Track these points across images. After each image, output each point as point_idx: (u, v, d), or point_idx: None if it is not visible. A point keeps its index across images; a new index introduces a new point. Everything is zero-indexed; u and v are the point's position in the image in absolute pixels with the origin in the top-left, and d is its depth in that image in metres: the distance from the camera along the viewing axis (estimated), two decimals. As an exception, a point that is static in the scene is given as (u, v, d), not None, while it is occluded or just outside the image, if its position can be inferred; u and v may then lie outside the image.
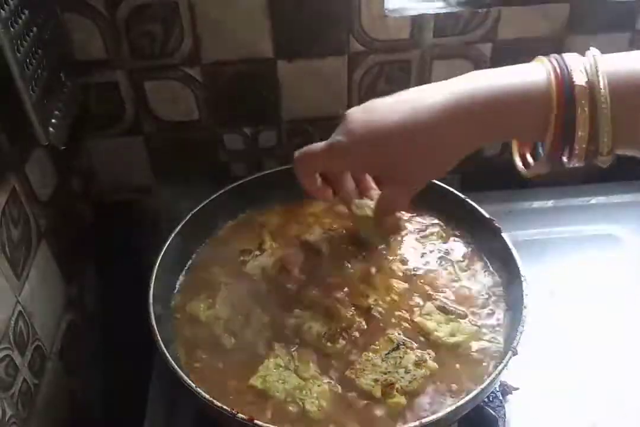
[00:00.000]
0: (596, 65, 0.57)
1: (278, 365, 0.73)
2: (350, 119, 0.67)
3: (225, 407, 0.66)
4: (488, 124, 0.62)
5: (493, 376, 0.69)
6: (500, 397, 0.80)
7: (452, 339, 0.75)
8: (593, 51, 0.60)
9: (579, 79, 0.57)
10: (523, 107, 0.59)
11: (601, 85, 0.56)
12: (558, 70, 0.58)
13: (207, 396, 0.67)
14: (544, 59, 0.61)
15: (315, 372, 0.72)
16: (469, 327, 0.77)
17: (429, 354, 0.73)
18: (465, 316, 0.78)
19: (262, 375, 0.72)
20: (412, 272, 0.83)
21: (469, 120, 0.61)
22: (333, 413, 0.69)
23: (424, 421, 0.65)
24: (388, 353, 0.73)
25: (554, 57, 0.61)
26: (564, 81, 0.57)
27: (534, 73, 0.60)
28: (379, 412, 0.69)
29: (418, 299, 0.80)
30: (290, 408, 0.69)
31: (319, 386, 0.71)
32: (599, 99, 0.56)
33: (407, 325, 0.76)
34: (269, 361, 0.73)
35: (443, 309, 0.78)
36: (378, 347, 0.74)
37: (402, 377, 0.71)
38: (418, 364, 0.72)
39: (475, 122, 0.62)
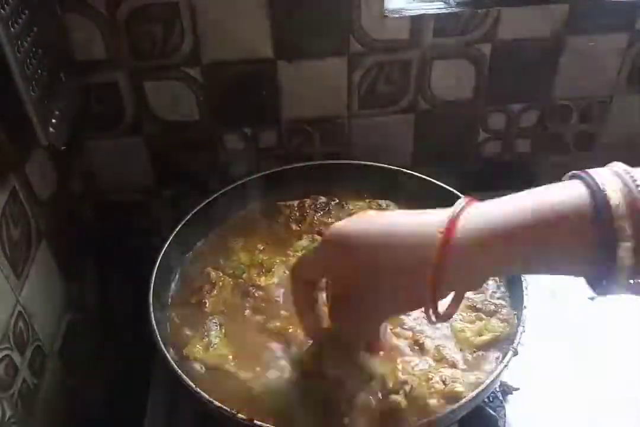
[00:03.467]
0: (634, 179, 0.49)
1: (281, 377, 0.73)
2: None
3: (225, 407, 0.66)
4: (516, 255, 0.53)
5: (493, 376, 0.69)
6: (500, 397, 0.80)
7: (479, 339, 0.75)
8: (619, 166, 0.52)
9: (615, 197, 0.49)
10: (554, 233, 0.51)
11: None
12: (591, 188, 0.50)
13: (206, 396, 0.67)
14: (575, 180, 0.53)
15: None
16: (498, 324, 0.77)
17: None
18: (494, 313, 0.78)
19: (263, 382, 0.71)
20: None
21: (478, 254, 0.53)
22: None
23: (424, 421, 0.65)
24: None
25: (581, 175, 0.52)
26: (598, 201, 0.49)
27: (563, 194, 0.52)
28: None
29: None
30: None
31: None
32: None
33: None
34: (274, 372, 0.73)
35: (473, 308, 0.79)
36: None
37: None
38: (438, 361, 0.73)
39: (487, 256, 0.53)
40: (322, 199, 0.93)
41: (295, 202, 0.93)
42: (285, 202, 0.93)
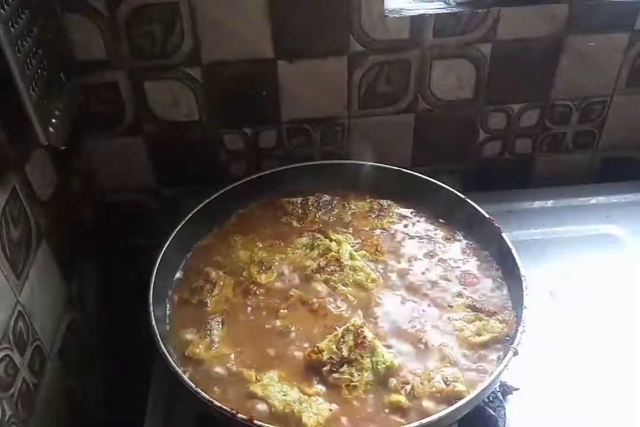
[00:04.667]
0: None
1: (282, 378, 0.73)
2: None
3: (225, 407, 0.66)
4: None
5: (493, 376, 0.70)
6: (500, 397, 0.80)
7: (479, 338, 0.76)
8: None
9: None
10: None
11: None
12: None
13: (206, 396, 0.67)
14: None
15: (319, 391, 0.72)
16: (497, 325, 0.77)
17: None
18: (493, 314, 0.79)
19: (264, 384, 0.72)
20: (406, 273, 0.84)
21: None
22: None
23: (424, 421, 0.65)
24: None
25: None
26: None
27: None
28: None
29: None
30: (287, 418, 0.69)
31: (320, 403, 0.70)
32: None
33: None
34: (274, 372, 0.73)
35: (473, 308, 0.79)
36: None
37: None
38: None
39: None
40: (326, 197, 0.94)
41: (299, 199, 0.93)
42: (289, 199, 0.93)
